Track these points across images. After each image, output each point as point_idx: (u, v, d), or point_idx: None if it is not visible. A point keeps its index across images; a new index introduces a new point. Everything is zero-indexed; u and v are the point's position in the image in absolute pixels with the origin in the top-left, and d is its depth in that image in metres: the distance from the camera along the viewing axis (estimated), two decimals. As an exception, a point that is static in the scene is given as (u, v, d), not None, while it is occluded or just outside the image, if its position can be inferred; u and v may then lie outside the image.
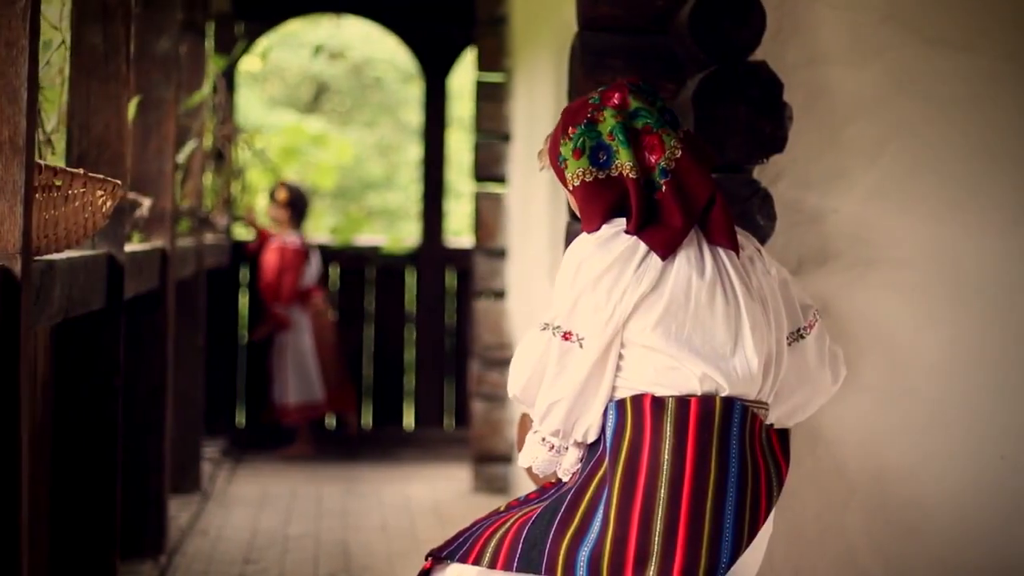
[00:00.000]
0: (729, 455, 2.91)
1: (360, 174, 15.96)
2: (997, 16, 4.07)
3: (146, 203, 5.28)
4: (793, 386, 3.18)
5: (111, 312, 4.41)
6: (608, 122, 3.03)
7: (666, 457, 2.88)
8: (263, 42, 10.27)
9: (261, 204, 9.72)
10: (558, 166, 3.09)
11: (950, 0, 4.08)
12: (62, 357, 4.40)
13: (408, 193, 15.22)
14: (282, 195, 9.24)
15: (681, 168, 3.00)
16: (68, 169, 3.16)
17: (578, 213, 3.09)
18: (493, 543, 3.01)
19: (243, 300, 9.82)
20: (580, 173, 3.02)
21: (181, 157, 6.67)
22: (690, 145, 3.04)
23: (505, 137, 8.11)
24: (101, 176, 3.46)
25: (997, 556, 4.10)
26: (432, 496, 7.69)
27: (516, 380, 3.07)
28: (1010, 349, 4.08)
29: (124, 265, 4.46)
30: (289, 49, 15.06)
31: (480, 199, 8.21)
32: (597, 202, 3.00)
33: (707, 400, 2.91)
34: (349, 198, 15.87)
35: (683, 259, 2.95)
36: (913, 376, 4.07)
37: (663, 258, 2.92)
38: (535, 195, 6.51)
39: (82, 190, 3.25)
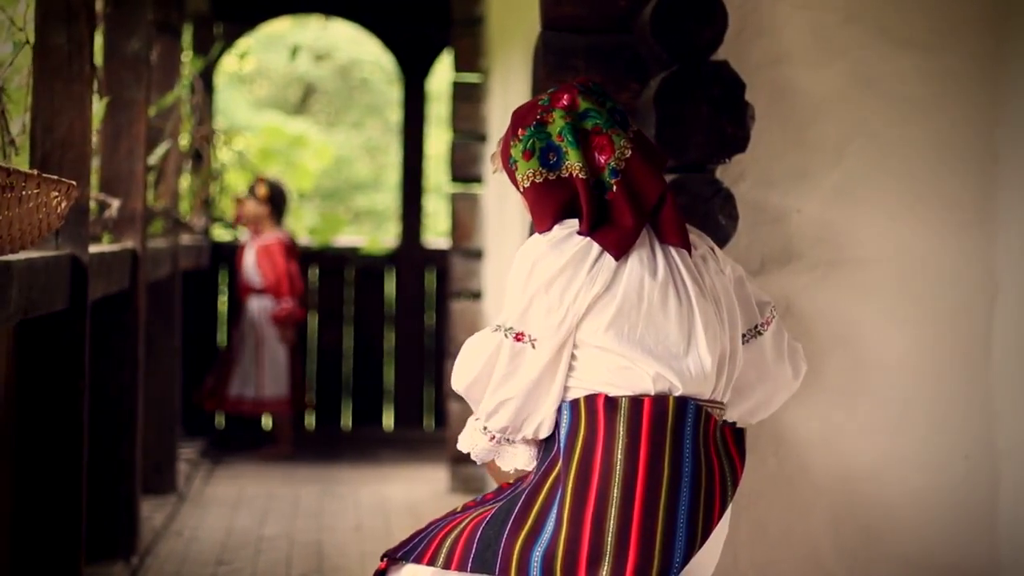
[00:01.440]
0: (682, 455, 2.90)
1: (348, 175, 15.97)
2: (959, 16, 4.07)
3: (115, 204, 5.27)
4: (753, 383, 3.19)
5: (75, 313, 4.39)
6: (557, 123, 3.02)
7: (619, 457, 2.88)
8: (245, 43, 10.25)
9: (240, 201, 9.62)
10: (509, 168, 3.09)
11: (913, 0, 4.08)
12: (25, 357, 4.38)
13: (396, 194, 15.23)
14: (263, 191, 9.17)
15: (631, 168, 2.99)
16: (21, 170, 3.15)
17: (529, 214, 3.09)
18: (448, 543, 3.01)
19: (223, 301, 9.81)
20: (530, 175, 3.02)
21: (154, 158, 6.66)
22: (640, 145, 3.04)
23: (482, 137, 8.11)
24: (55, 177, 3.45)
25: (961, 556, 4.10)
26: (409, 496, 7.69)
27: (463, 377, 3.07)
28: (972, 348, 4.09)
29: (88, 266, 4.44)
30: (276, 51, 15.06)
31: (457, 200, 8.21)
32: (548, 203, 2.99)
33: (660, 400, 2.90)
34: (337, 199, 15.88)
35: (636, 259, 2.94)
36: (876, 376, 4.08)
37: (616, 258, 2.92)
38: (510, 196, 6.50)
39: (36, 191, 3.23)
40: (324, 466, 8.76)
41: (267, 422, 9.58)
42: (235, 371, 9.03)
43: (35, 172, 3.22)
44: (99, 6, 5.78)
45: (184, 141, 8.19)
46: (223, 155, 9.41)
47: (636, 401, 2.90)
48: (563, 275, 2.92)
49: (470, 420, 3.12)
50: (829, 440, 4.08)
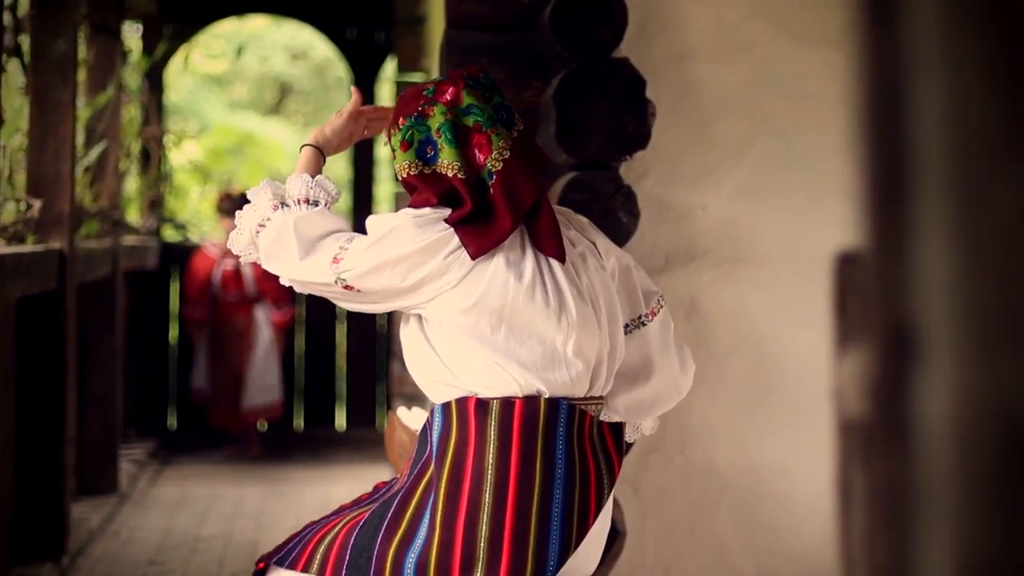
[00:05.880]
0: (555, 457, 2.87)
1: (328, 173, 15.90)
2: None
3: (36, 204, 5.25)
4: (637, 372, 3.11)
5: (-17, 314, 4.38)
6: (437, 118, 2.99)
7: (491, 461, 2.85)
8: (218, 44, 10.21)
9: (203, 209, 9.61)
10: (392, 153, 3.08)
11: (817, -4, 4.09)
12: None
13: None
14: None
15: (507, 170, 2.95)
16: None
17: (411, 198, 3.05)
18: (322, 549, 2.99)
19: (174, 301, 9.77)
20: (407, 166, 3.00)
21: (88, 159, 6.63)
22: (520, 147, 3.00)
23: (426, 136, 8.08)
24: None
25: (868, 552, 4.10)
26: (352, 496, 7.62)
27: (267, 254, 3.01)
28: (878, 345, 4.09)
29: (-3, 266, 4.43)
30: (251, 52, 15.01)
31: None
32: (425, 192, 2.97)
33: (531, 401, 2.87)
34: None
35: (501, 260, 2.90)
36: (781, 373, 4.07)
37: (473, 258, 2.88)
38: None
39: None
40: (273, 467, 8.75)
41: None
42: (244, 382, 9.06)
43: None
44: (25, 7, 5.78)
45: (132, 142, 8.18)
46: (173, 156, 9.38)
47: (507, 403, 2.87)
48: (414, 258, 2.87)
49: (249, 219, 3.06)
50: (735, 437, 4.08)
